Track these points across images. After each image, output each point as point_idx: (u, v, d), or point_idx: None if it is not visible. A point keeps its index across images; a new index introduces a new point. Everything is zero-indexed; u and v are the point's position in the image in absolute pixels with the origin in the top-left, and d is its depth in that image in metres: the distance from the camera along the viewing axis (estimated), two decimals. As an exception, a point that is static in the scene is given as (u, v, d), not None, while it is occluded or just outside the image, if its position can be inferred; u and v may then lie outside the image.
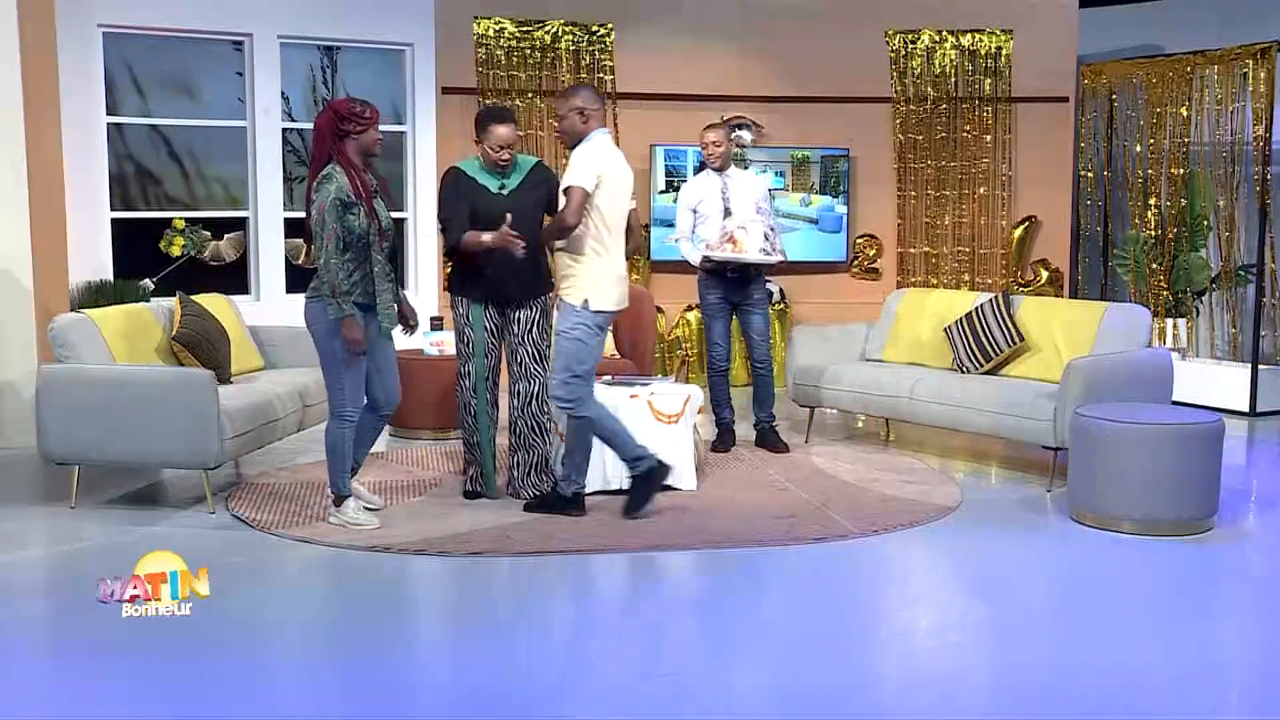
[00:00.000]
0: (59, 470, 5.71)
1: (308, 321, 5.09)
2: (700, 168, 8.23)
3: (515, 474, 5.68)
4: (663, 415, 5.79)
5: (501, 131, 5.45)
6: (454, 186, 5.53)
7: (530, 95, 8.80)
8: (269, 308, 8.07)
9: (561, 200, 5.22)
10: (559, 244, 5.24)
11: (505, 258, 5.37)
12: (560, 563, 4.85)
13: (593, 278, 5.20)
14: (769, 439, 6.80)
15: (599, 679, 3.83)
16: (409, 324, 5.37)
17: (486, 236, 5.32)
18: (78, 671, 3.78)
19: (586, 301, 5.18)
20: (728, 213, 6.63)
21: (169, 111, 8.40)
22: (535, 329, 5.59)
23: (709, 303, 6.78)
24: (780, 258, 6.67)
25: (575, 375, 5.21)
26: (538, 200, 5.56)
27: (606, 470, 5.73)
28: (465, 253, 5.46)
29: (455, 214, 5.46)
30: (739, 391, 7.49)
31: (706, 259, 6.60)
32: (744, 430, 7.01)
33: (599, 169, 5.17)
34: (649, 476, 5.36)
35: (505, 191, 5.50)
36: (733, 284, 6.70)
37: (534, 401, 5.62)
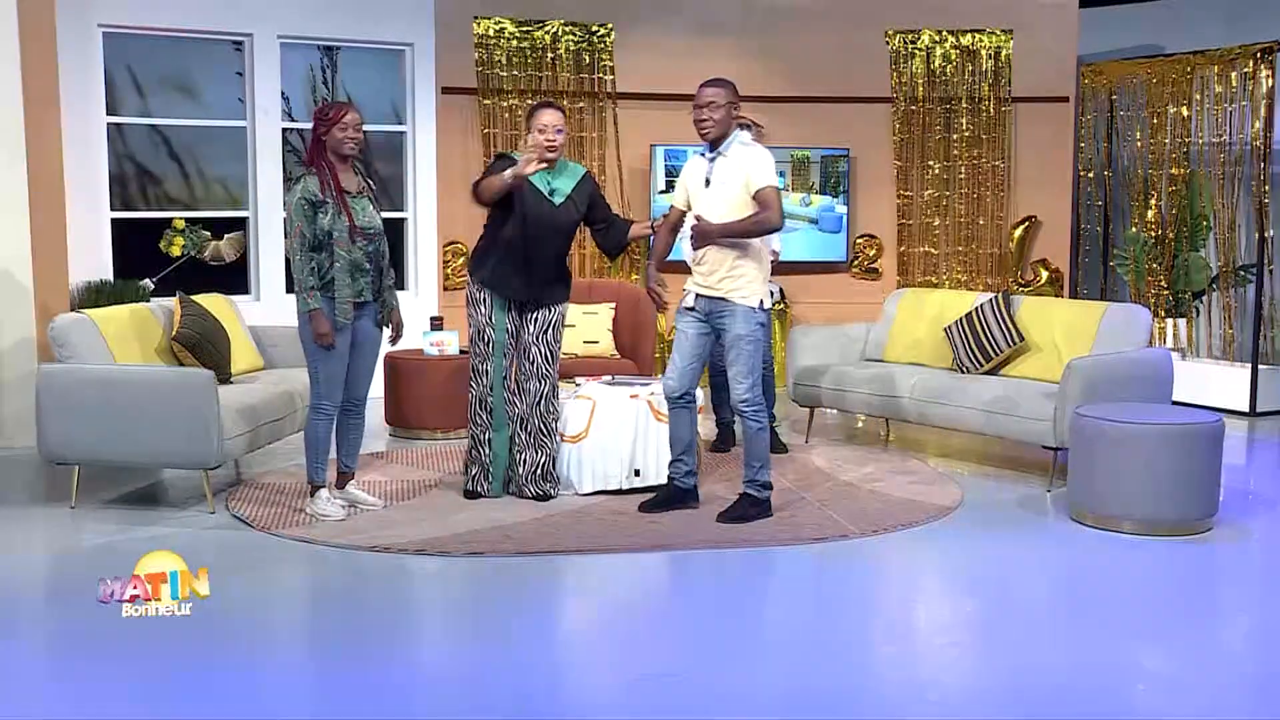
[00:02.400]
0: (59, 470, 5.72)
1: (297, 314, 5.26)
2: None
3: (520, 472, 5.68)
4: (663, 415, 5.77)
5: (547, 114, 5.46)
6: (499, 163, 5.53)
7: (530, 95, 8.79)
8: (269, 308, 8.07)
9: (730, 201, 5.18)
10: (716, 244, 5.22)
11: (534, 260, 5.47)
12: (560, 563, 4.85)
13: (762, 279, 5.28)
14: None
15: (598, 679, 3.83)
16: (395, 334, 5.51)
17: (507, 174, 5.30)
18: (78, 671, 3.78)
19: (761, 302, 5.26)
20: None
21: (169, 111, 8.39)
22: (550, 330, 5.60)
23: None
24: (769, 257, 6.65)
25: (756, 378, 5.30)
26: (579, 211, 5.59)
27: (607, 469, 5.73)
28: (494, 251, 5.51)
29: (489, 173, 5.50)
30: (739, 391, 7.49)
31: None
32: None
33: None
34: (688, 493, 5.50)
35: (555, 198, 5.51)
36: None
37: (543, 401, 5.62)
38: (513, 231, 5.49)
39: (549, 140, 5.41)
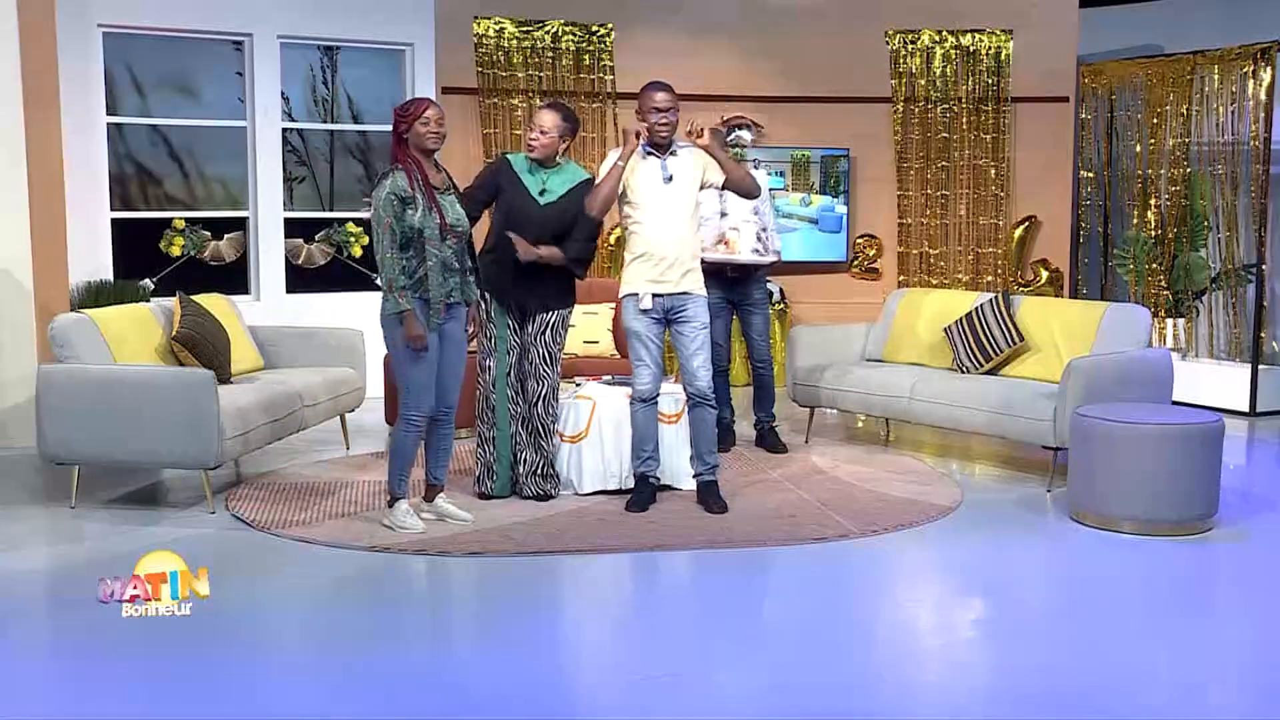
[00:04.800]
0: (59, 470, 5.71)
1: (380, 318, 5.06)
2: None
3: (520, 471, 5.68)
4: (662, 415, 5.77)
5: (542, 115, 5.52)
6: (493, 172, 5.62)
7: (530, 95, 8.80)
8: (269, 308, 8.08)
9: (688, 198, 5.46)
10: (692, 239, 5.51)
11: (534, 267, 5.46)
12: (560, 562, 4.85)
13: None
14: (769, 439, 6.80)
15: (598, 679, 3.84)
16: (473, 332, 5.34)
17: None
18: (78, 671, 3.78)
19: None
20: (724, 214, 6.63)
21: (169, 111, 8.40)
22: (549, 331, 5.59)
23: (709, 302, 6.75)
24: (774, 258, 6.69)
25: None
26: (571, 214, 5.53)
27: (607, 469, 5.73)
28: (489, 252, 5.52)
29: (474, 195, 5.53)
30: (739, 391, 7.50)
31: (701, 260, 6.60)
32: (744, 430, 7.01)
33: None
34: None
35: (544, 200, 5.49)
36: (733, 284, 6.70)
37: (541, 402, 5.61)
38: (500, 230, 5.51)
39: (532, 141, 5.49)
